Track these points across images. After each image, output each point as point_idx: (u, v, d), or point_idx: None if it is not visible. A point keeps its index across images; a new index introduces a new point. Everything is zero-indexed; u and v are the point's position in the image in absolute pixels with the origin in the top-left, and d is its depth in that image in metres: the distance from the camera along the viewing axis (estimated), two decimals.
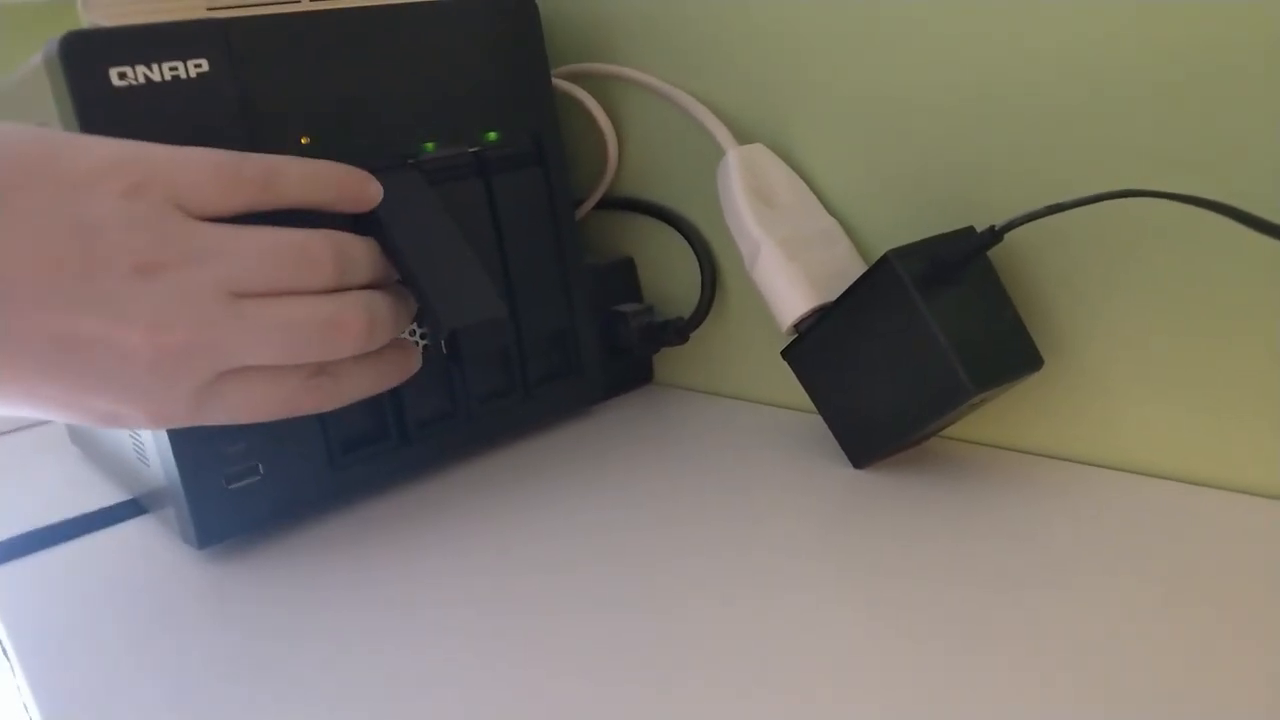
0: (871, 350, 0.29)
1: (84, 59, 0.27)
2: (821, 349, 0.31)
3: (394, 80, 0.33)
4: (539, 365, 0.37)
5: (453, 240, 0.30)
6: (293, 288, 0.25)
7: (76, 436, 0.45)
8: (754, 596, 0.25)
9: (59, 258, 0.22)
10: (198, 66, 0.29)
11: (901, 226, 0.32)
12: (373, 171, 0.29)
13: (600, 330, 0.39)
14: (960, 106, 0.29)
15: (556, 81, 0.40)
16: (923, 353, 0.28)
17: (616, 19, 0.39)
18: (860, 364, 0.30)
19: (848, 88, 0.32)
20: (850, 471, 0.31)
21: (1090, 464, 0.30)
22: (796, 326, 0.31)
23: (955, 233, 0.29)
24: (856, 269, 0.32)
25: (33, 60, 0.29)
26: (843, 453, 0.32)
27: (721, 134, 0.35)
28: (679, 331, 0.39)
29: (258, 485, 0.31)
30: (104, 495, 0.38)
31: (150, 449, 0.31)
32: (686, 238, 0.39)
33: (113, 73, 0.27)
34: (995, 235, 0.27)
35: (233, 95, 0.29)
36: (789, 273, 0.31)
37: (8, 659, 0.28)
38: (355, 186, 0.27)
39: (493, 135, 0.35)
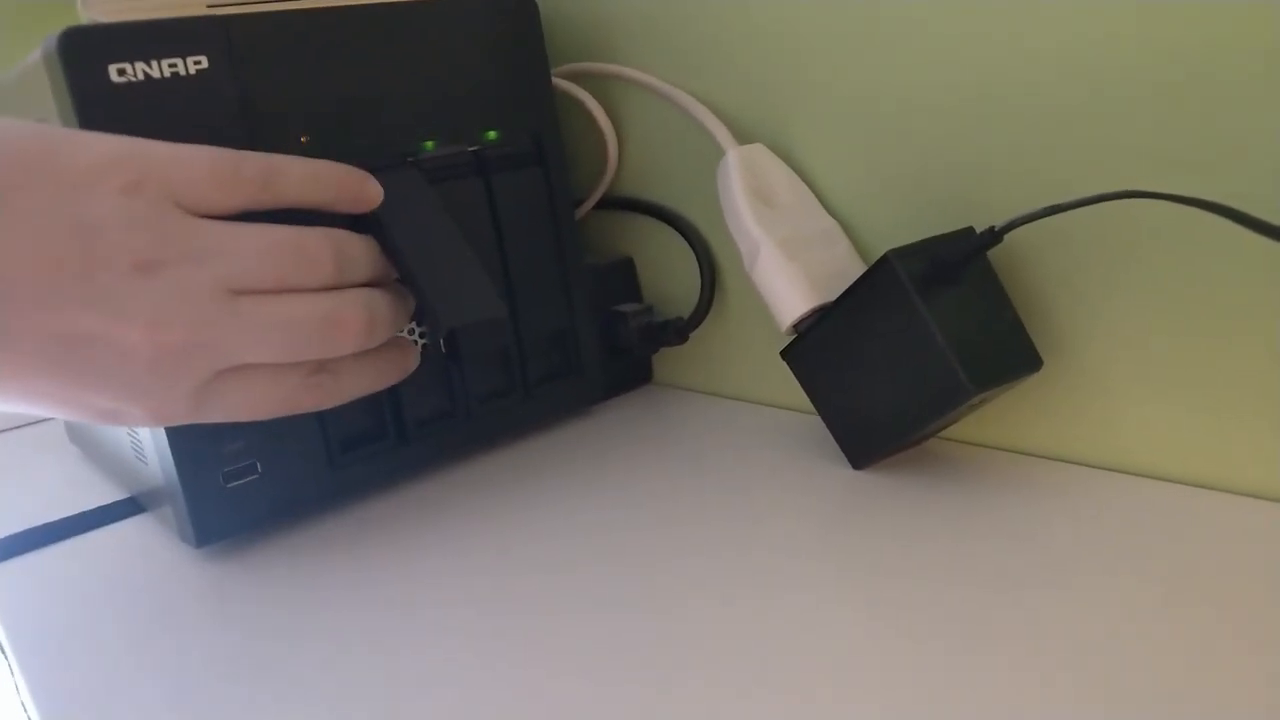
0: (871, 351, 0.29)
1: (83, 55, 0.27)
2: (821, 349, 0.31)
3: (394, 79, 0.33)
4: (538, 365, 0.37)
5: (452, 239, 0.30)
6: (292, 285, 0.25)
7: (75, 435, 0.44)
8: (753, 597, 0.25)
9: (58, 255, 0.22)
10: (197, 64, 0.29)
11: (901, 227, 0.32)
12: (372, 170, 0.29)
13: (600, 330, 0.39)
14: (960, 106, 0.29)
15: (556, 81, 0.40)
16: (922, 353, 0.28)
17: (617, 19, 0.39)
18: (860, 364, 0.29)
19: (848, 87, 0.32)
20: (849, 472, 0.31)
21: (1090, 465, 0.30)
22: (796, 327, 0.31)
23: (955, 233, 0.29)
24: (856, 269, 0.32)
25: (31, 56, 0.29)
26: (842, 453, 0.32)
27: (721, 134, 0.35)
28: (678, 331, 0.39)
29: (256, 484, 0.31)
30: (102, 494, 0.38)
31: (148, 447, 0.31)
32: (686, 238, 0.39)
33: (112, 69, 0.27)
34: (995, 236, 0.27)
35: (232, 93, 0.29)
36: (789, 273, 0.31)
37: (5, 657, 0.28)
38: (355, 187, 0.27)
39: (492, 134, 0.35)
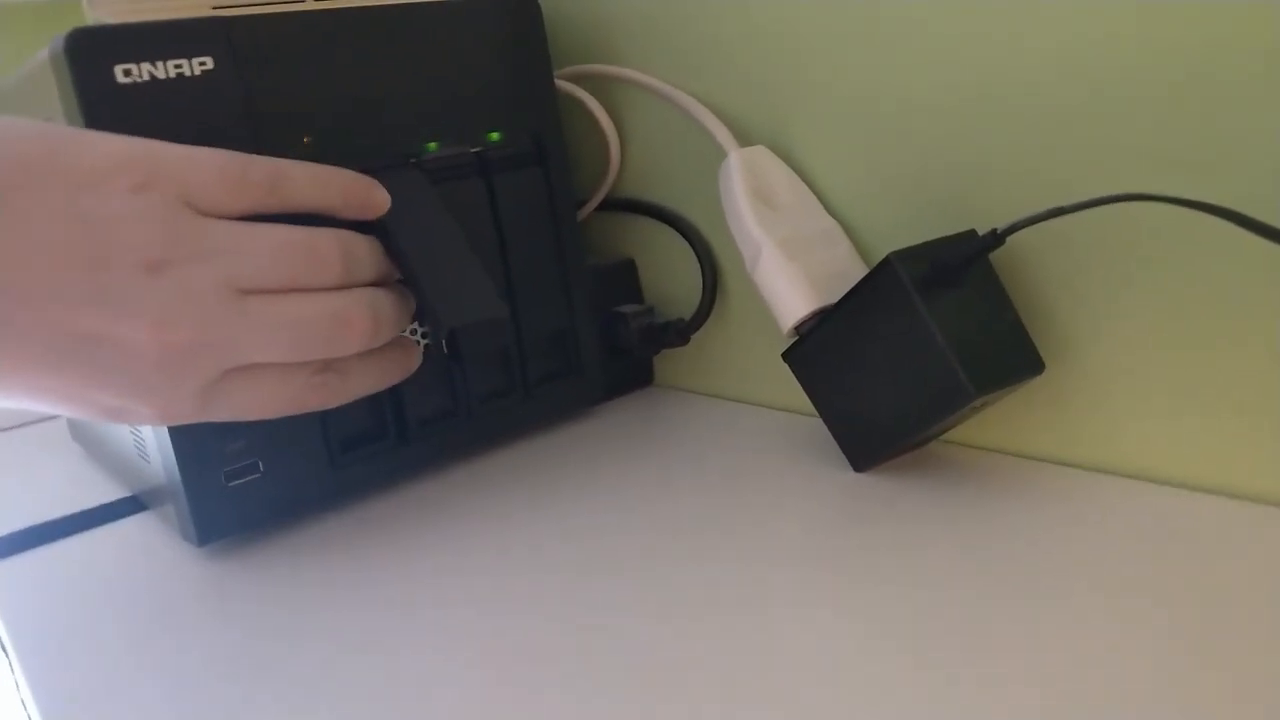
0: (872, 353, 0.29)
1: (90, 55, 0.27)
2: (822, 351, 0.31)
3: (397, 80, 0.33)
4: (539, 365, 0.37)
5: (454, 240, 0.30)
6: (300, 285, 0.25)
7: (78, 433, 0.45)
8: (753, 601, 0.25)
9: (66, 253, 0.22)
10: (202, 64, 0.29)
11: (902, 228, 0.32)
12: (375, 170, 0.29)
13: (601, 331, 0.39)
14: (961, 107, 0.29)
15: (559, 82, 0.40)
16: (923, 355, 0.28)
17: (619, 20, 0.39)
18: (861, 366, 0.29)
19: (849, 89, 0.32)
20: (850, 475, 0.31)
21: (1092, 469, 0.29)
22: (797, 328, 0.31)
23: (957, 235, 0.29)
24: (858, 271, 0.32)
25: (38, 56, 0.29)
26: (843, 456, 0.32)
27: (723, 135, 0.35)
28: (680, 333, 0.39)
29: (257, 483, 0.31)
30: (104, 492, 0.38)
31: (151, 445, 0.31)
32: (688, 239, 0.39)
33: (118, 70, 0.27)
34: (997, 238, 0.27)
35: (237, 93, 0.29)
36: (790, 274, 0.31)
37: (6, 654, 0.28)
38: (361, 194, 0.27)
39: (495, 135, 0.35)
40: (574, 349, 0.38)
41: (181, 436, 0.30)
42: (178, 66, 0.28)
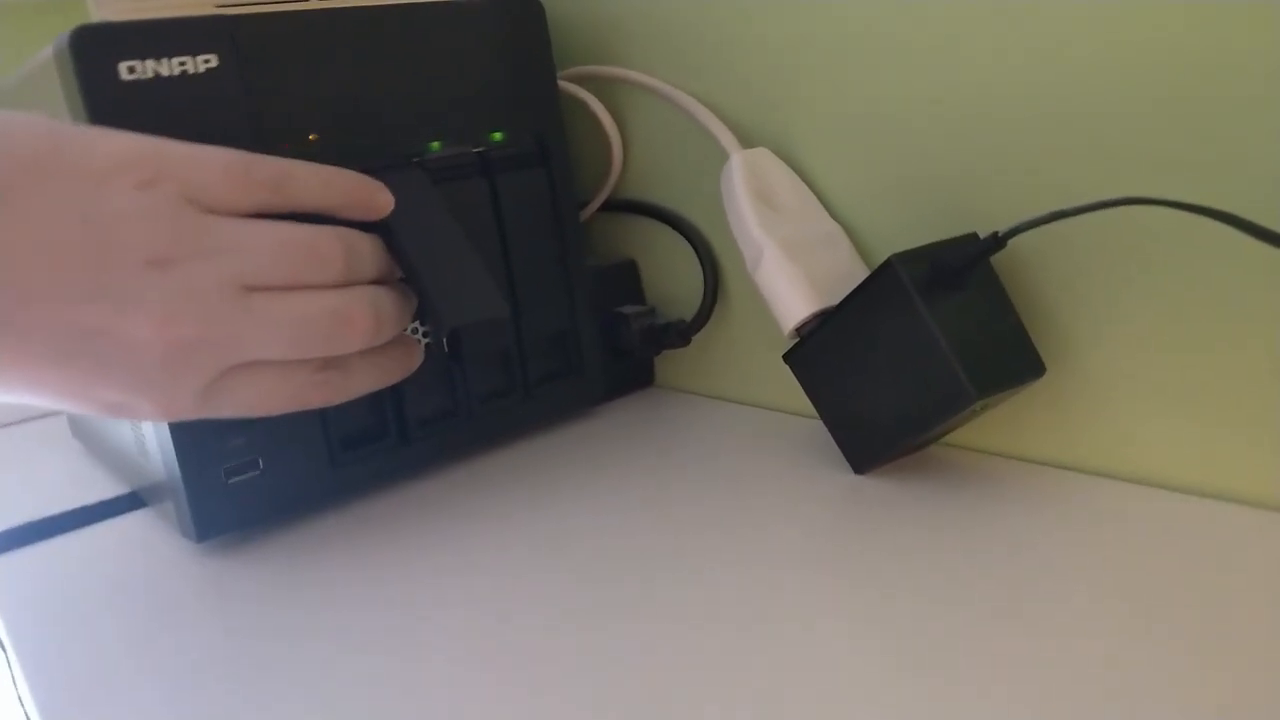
0: (873, 354, 0.29)
1: (94, 52, 0.27)
2: (823, 353, 0.31)
3: (401, 79, 0.33)
4: (540, 365, 0.37)
5: (456, 239, 0.30)
6: (303, 283, 0.25)
7: (78, 430, 0.45)
8: (751, 605, 0.25)
9: (71, 248, 0.22)
10: (206, 62, 0.29)
11: (905, 231, 0.32)
12: (378, 170, 0.29)
13: (602, 331, 0.39)
14: (963, 112, 0.30)
15: (562, 83, 0.40)
16: (925, 357, 0.28)
17: (622, 22, 0.39)
18: (862, 368, 0.30)
19: (851, 93, 0.32)
20: (851, 477, 0.31)
21: (1092, 473, 0.30)
22: (798, 330, 0.31)
23: (958, 238, 0.29)
24: (859, 273, 0.32)
25: (42, 53, 0.29)
26: (843, 457, 0.32)
27: (725, 137, 0.35)
28: (681, 334, 0.39)
29: (257, 480, 0.31)
30: (104, 488, 0.38)
31: (151, 442, 0.31)
32: (689, 240, 0.39)
33: (122, 67, 0.27)
34: (998, 241, 0.27)
35: (240, 91, 0.29)
36: (791, 276, 0.31)
37: (4, 650, 0.28)
38: (365, 195, 0.27)
39: (498, 135, 0.35)
40: (575, 349, 0.38)
41: (182, 432, 0.30)
42: (182, 64, 0.28)
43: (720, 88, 0.36)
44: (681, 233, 0.39)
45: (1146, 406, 0.28)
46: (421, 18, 0.33)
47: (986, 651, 0.22)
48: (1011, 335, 0.29)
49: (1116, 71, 0.26)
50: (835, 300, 0.31)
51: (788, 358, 0.32)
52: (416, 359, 0.30)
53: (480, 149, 0.35)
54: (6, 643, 0.28)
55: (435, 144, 0.34)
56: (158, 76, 0.28)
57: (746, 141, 0.36)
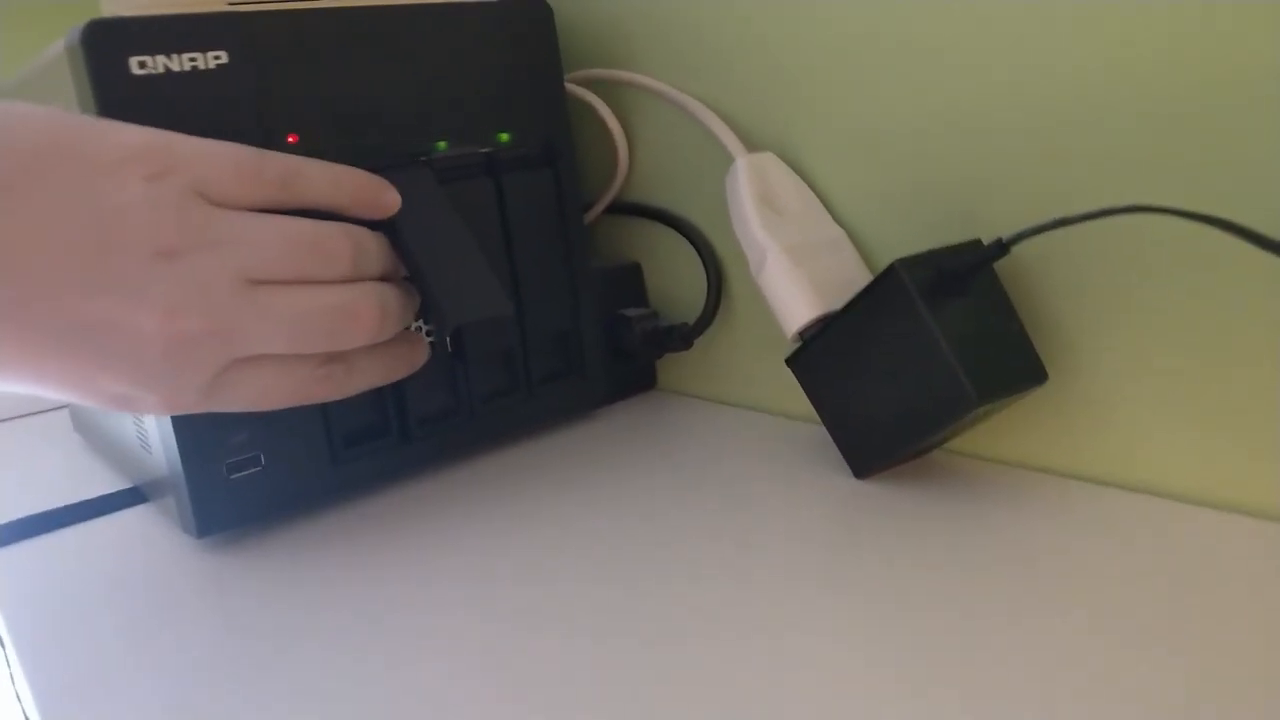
0: (876, 359, 0.29)
1: (105, 47, 0.27)
2: (826, 357, 0.31)
3: (409, 79, 0.33)
4: (542, 365, 0.37)
5: (461, 238, 0.30)
6: (309, 277, 0.25)
7: (80, 424, 0.45)
8: (749, 610, 0.25)
9: (79, 238, 0.22)
10: (216, 58, 0.29)
11: (908, 237, 0.32)
12: (385, 168, 0.29)
13: (605, 333, 0.39)
14: (968, 120, 0.30)
15: (569, 86, 0.40)
16: (927, 362, 0.28)
17: (629, 26, 0.39)
18: (864, 373, 0.30)
19: (856, 98, 0.32)
20: (851, 482, 0.31)
21: (1093, 481, 0.30)
22: (801, 334, 0.32)
23: (962, 244, 0.29)
24: (863, 278, 0.32)
25: (54, 47, 0.30)
26: (845, 463, 0.32)
27: (731, 141, 0.35)
28: (683, 337, 0.39)
29: (259, 476, 0.31)
30: (105, 483, 0.39)
31: (153, 436, 0.31)
32: (693, 244, 0.39)
33: (133, 61, 0.28)
34: (1002, 248, 0.27)
35: (250, 88, 0.30)
36: (795, 280, 0.31)
37: (3, 644, 0.28)
38: (373, 194, 0.28)
39: (505, 136, 0.35)
40: (578, 350, 0.38)
41: (184, 427, 0.30)
42: (192, 60, 0.28)
43: (726, 92, 0.36)
44: (685, 236, 0.39)
45: (1149, 414, 0.28)
46: (430, 18, 0.33)
47: (986, 659, 0.22)
48: (1014, 342, 0.29)
49: (1120, 81, 0.26)
50: (838, 305, 0.31)
51: (790, 362, 0.32)
52: (422, 355, 0.31)
53: (487, 149, 0.35)
54: (6, 637, 0.28)
55: (442, 144, 0.34)
56: (168, 71, 0.28)
57: (751, 145, 0.36)
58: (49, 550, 0.33)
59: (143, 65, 0.28)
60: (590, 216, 0.42)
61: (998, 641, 0.22)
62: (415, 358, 0.30)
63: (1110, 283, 0.28)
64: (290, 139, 0.30)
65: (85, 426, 0.43)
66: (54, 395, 0.25)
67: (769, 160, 0.35)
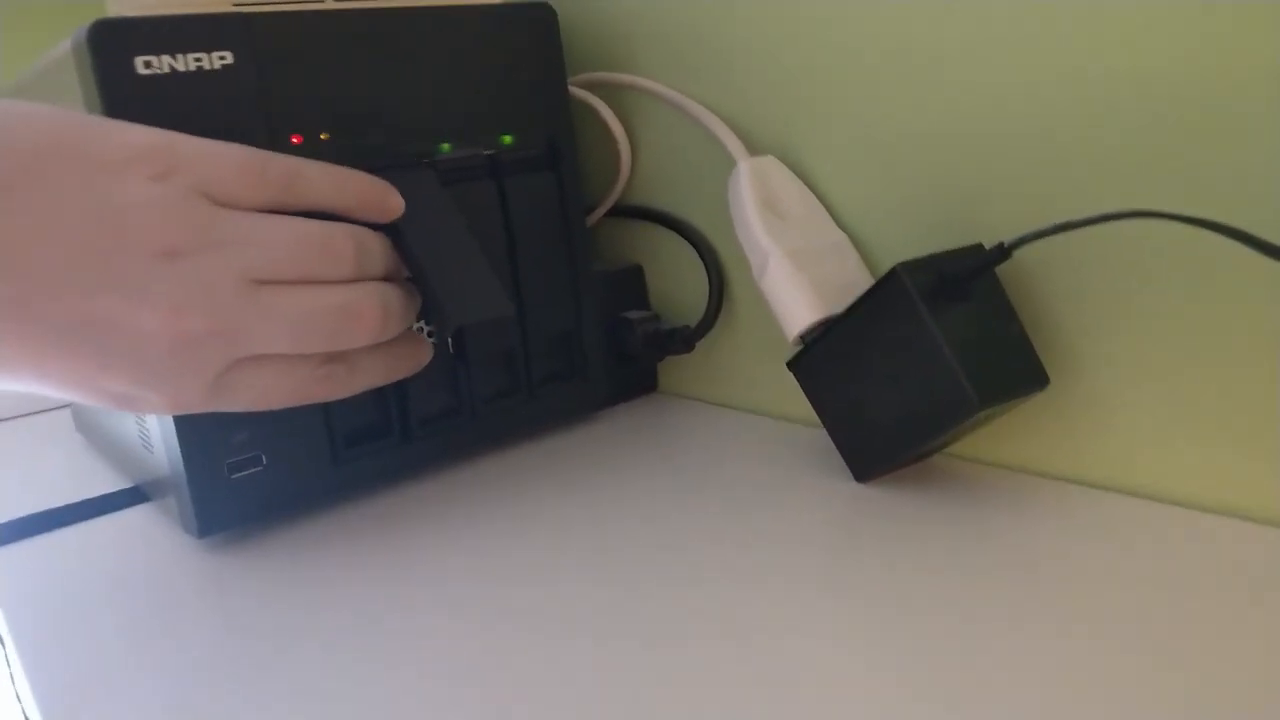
0: (877, 362, 0.29)
1: (111, 46, 0.27)
2: (827, 360, 0.31)
3: (413, 81, 0.33)
4: (543, 367, 0.37)
5: (463, 240, 0.30)
6: (313, 277, 0.25)
7: (81, 423, 0.45)
8: (750, 616, 0.25)
9: (83, 237, 0.22)
10: (222, 59, 0.29)
11: (910, 242, 0.32)
12: (388, 169, 0.29)
13: (606, 336, 0.39)
14: (970, 125, 0.30)
15: (573, 89, 0.40)
16: (928, 366, 0.28)
17: (633, 30, 0.39)
18: (865, 376, 0.30)
19: (859, 102, 0.33)
20: (852, 486, 0.31)
21: (1094, 486, 0.30)
22: (803, 337, 0.32)
23: (964, 249, 0.29)
24: (865, 282, 0.32)
25: (59, 47, 0.30)
26: (845, 466, 0.32)
27: (733, 145, 0.35)
28: (685, 340, 0.39)
29: (260, 476, 0.31)
30: (106, 482, 0.39)
31: (155, 436, 0.31)
32: (695, 247, 0.39)
33: (138, 61, 0.28)
34: (1004, 252, 0.27)
35: (254, 88, 0.30)
36: (797, 283, 0.31)
37: (3, 643, 0.28)
38: (376, 198, 0.28)
39: (508, 138, 0.35)
40: (579, 352, 0.38)
41: (186, 426, 0.30)
42: (197, 60, 0.29)
43: (729, 95, 0.36)
44: (687, 239, 0.39)
45: (1150, 419, 0.28)
46: (435, 20, 0.33)
47: (986, 664, 0.22)
48: (1015, 346, 0.29)
49: (1122, 85, 0.26)
50: (840, 308, 0.31)
51: (792, 365, 0.32)
52: (425, 355, 0.31)
53: (490, 151, 0.35)
54: (7, 636, 0.28)
55: (445, 145, 0.34)
56: (173, 71, 0.28)
57: (754, 149, 0.36)
58: (50, 549, 0.33)
59: (148, 65, 0.28)
60: (593, 219, 0.42)
61: (998, 646, 0.22)
62: (418, 357, 0.30)
63: (1112, 287, 0.28)
64: (294, 139, 0.31)
65: (87, 426, 0.43)
66: (56, 394, 0.25)
67: (771, 164, 0.35)
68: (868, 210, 0.33)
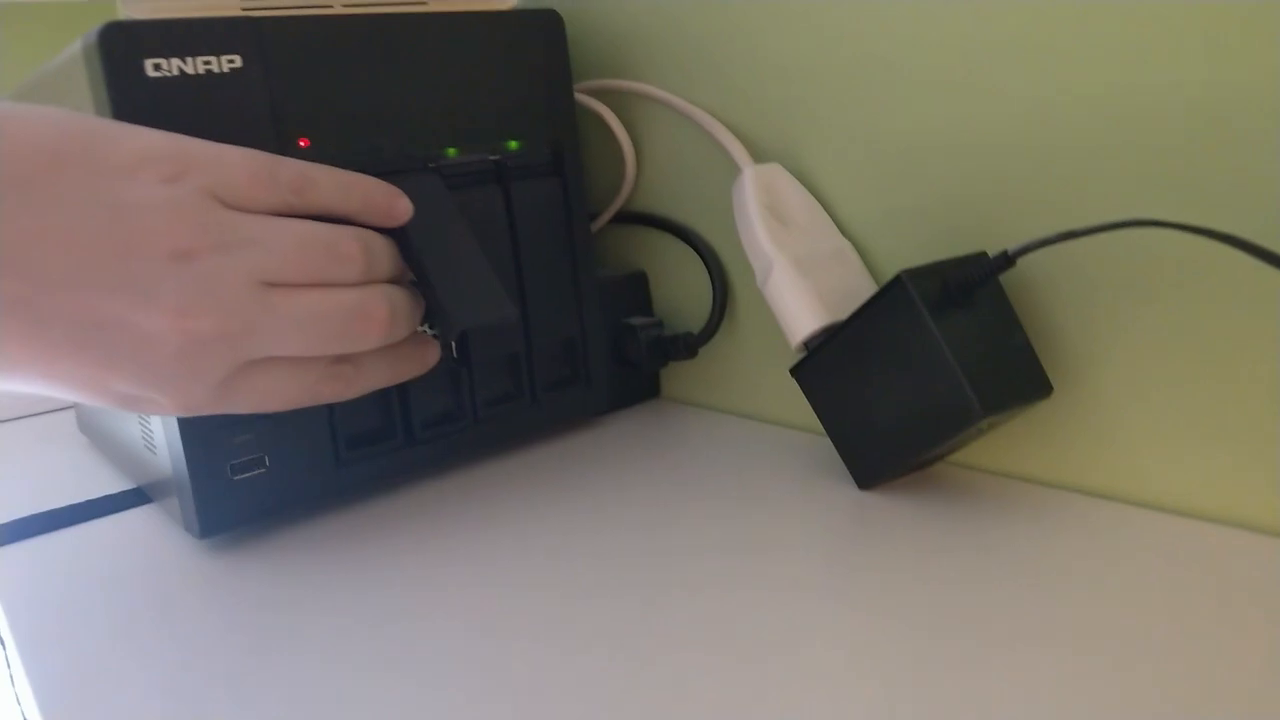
0: (881, 370, 0.29)
1: (122, 48, 0.28)
2: (830, 367, 0.31)
3: (420, 86, 0.33)
4: (547, 372, 0.37)
5: (468, 244, 0.30)
6: (323, 280, 0.25)
7: (85, 425, 0.45)
8: (751, 624, 0.25)
9: (93, 238, 0.23)
10: (230, 62, 0.29)
11: (914, 249, 0.32)
12: (394, 174, 0.30)
13: (610, 341, 0.39)
14: (974, 134, 0.30)
15: (578, 95, 0.40)
16: (932, 373, 0.28)
17: (639, 37, 0.40)
18: (869, 383, 0.30)
19: (864, 110, 0.33)
20: (855, 493, 0.31)
21: (1097, 495, 0.29)
22: (806, 344, 0.32)
23: (968, 256, 0.29)
24: (868, 289, 0.33)
25: (69, 49, 0.30)
26: (848, 474, 0.32)
27: (738, 152, 0.35)
28: (688, 346, 0.39)
29: (262, 477, 0.31)
30: (109, 483, 0.39)
31: (159, 437, 0.31)
32: (699, 254, 0.39)
33: (148, 63, 0.28)
34: (1008, 260, 0.27)
35: (262, 92, 0.30)
36: (800, 290, 0.31)
37: (4, 643, 0.28)
38: (384, 202, 0.28)
39: (514, 144, 0.36)
40: (582, 358, 0.38)
41: (189, 427, 0.30)
42: (207, 63, 0.29)
43: (734, 103, 0.37)
44: (691, 246, 0.40)
45: (1154, 428, 0.28)
46: (442, 26, 0.34)
47: (989, 672, 0.22)
48: (1019, 354, 0.29)
49: (1126, 95, 0.26)
50: (844, 315, 0.31)
51: (795, 371, 0.32)
52: (432, 357, 0.31)
53: (496, 157, 0.35)
54: (8, 636, 0.28)
55: (452, 150, 0.34)
56: (182, 74, 0.28)
57: (759, 156, 0.36)
58: (52, 549, 0.33)
59: (158, 67, 0.28)
60: (597, 225, 0.42)
61: (1000, 655, 0.22)
62: (425, 358, 0.30)
63: (1115, 296, 0.28)
64: (302, 143, 0.31)
65: (90, 427, 0.43)
66: (64, 395, 0.25)
67: (776, 171, 0.35)
68: (872, 217, 0.33)
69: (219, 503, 0.31)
